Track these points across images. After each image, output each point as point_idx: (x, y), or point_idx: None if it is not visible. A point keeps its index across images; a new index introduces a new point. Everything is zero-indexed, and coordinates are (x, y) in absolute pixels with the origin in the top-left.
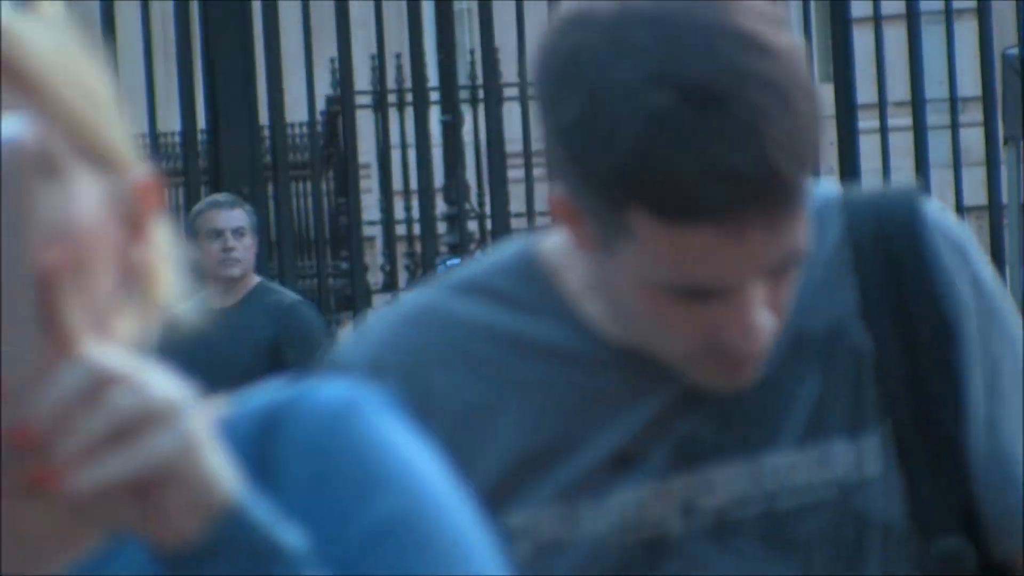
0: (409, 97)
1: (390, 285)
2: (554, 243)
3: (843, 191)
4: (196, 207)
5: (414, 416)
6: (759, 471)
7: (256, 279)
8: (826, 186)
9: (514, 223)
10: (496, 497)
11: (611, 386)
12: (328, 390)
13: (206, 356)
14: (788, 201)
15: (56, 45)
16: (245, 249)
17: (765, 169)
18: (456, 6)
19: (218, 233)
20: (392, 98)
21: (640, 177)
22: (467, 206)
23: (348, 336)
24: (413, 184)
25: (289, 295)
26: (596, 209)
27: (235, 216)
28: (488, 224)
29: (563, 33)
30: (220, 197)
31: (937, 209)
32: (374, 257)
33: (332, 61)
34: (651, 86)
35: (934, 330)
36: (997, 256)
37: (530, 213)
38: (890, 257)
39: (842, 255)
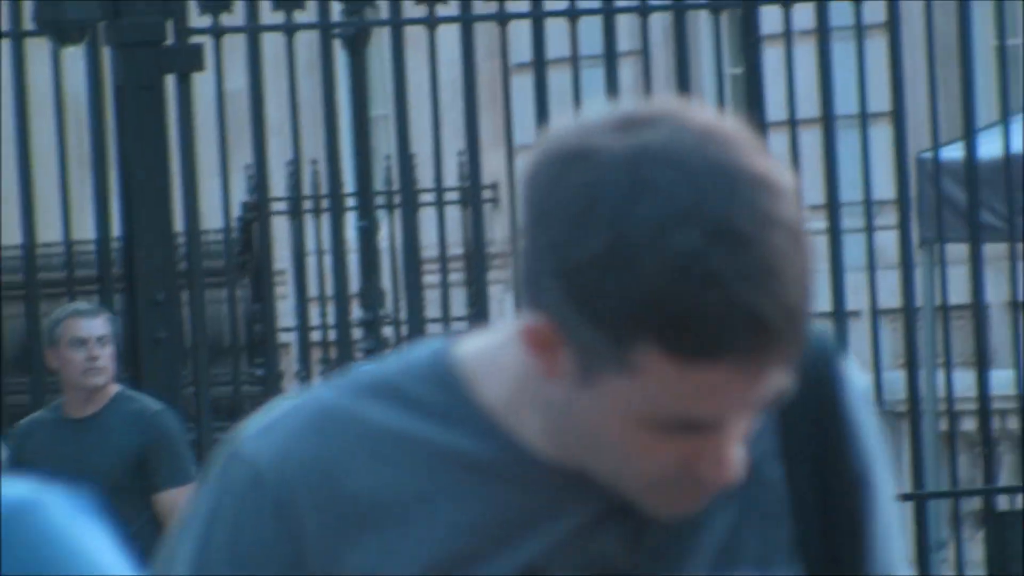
0: (325, 203)
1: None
2: (470, 349)
3: None
4: (56, 315)
5: (325, 514)
6: None
7: (116, 387)
8: None
9: (430, 328)
10: None
11: (527, 501)
12: (7, 489)
13: (69, 465)
14: (800, 341)
15: None
16: (108, 358)
17: (786, 311)
18: (373, 113)
19: (81, 342)
20: (308, 204)
21: (663, 314)
22: (382, 312)
23: (248, 430)
24: (329, 291)
25: (152, 403)
26: (591, 343)
27: (98, 324)
28: (404, 330)
29: (567, 167)
30: (81, 305)
31: (851, 365)
32: (289, 363)
33: (248, 168)
34: (677, 226)
35: (847, 480)
36: (911, 358)
37: (446, 319)
38: (810, 406)
39: None
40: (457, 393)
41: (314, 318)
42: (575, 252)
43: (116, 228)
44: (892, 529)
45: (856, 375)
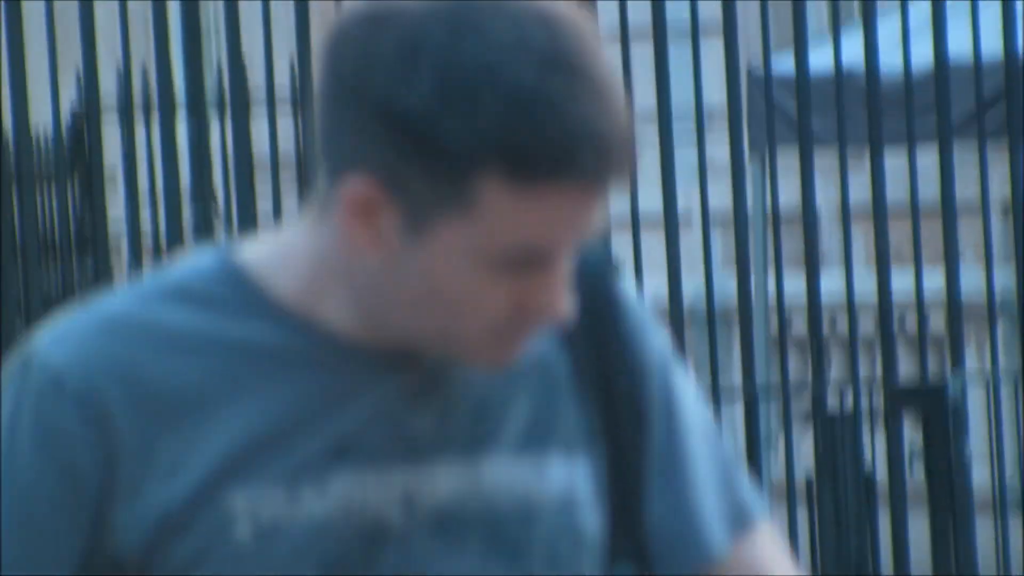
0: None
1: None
2: (256, 249)
3: None
4: None
5: (131, 409)
6: (478, 472)
7: None
8: None
9: (262, 226)
10: (217, 478)
11: (331, 383)
12: None
13: None
14: (625, 171)
15: None
16: None
17: (621, 130)
18: (204, 20)
19: None
20: (139, 112)
21: (506, 143)
22: (214, 209)
23: (40, 337)
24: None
25: None
26: (424, 190)
27: None
28: (237, 226)
29: (380, 25)
30: None
31: (625, 282)
32: (121, 263)
33: (78, 73)
34: (507, 59)
35: (626, 375)
36: (742, 263)
37: (277, 218)
38: (589, 306)
39: None
40: (248, 289)
41: (146, 221)
42: (404, 98)
43: None
44: (702, 427)
45: (628, 290)
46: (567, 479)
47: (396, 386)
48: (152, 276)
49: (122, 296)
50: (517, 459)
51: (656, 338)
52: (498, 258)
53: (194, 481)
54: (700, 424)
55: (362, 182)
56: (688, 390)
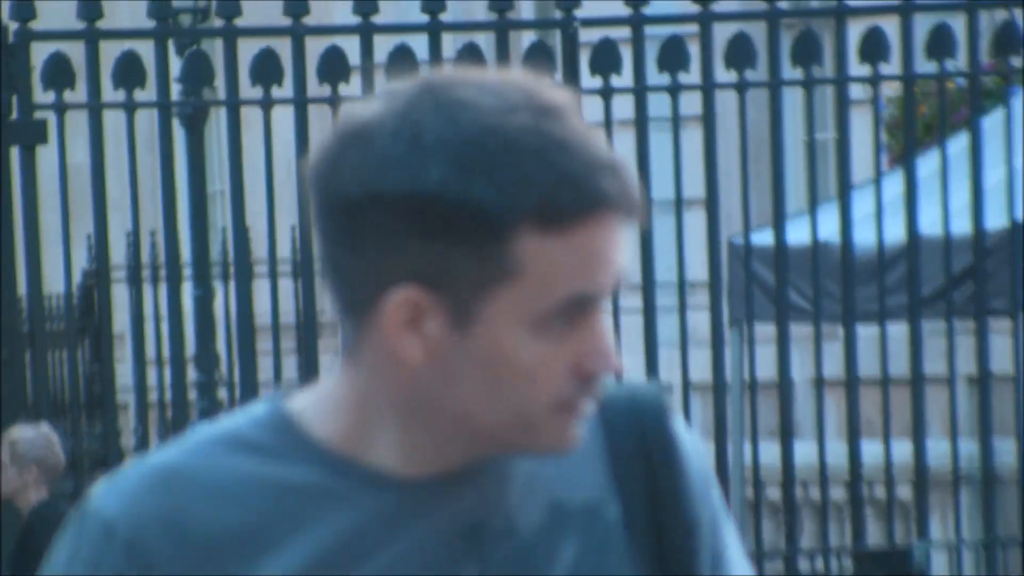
0: (163, 273)
1: (142, 447)
2: (302, 398)
3: None
4: None
5: (177, 555)
6: None
7: None
8: None
9: (263, 391)
10: None
11: (373, 519)
12: None
13: None
14: (637, 200)
15: None
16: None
17: (622, 164)
18: (211, 188)
19: None
20: (147, 274)
21: (532, 190)
22: (217, 375)
23: (98, 489)
24: (166, 355)
25: None
26: (467, 271)
27: None
28: (238, 393)
29: (362, 139)
30: None
31: (680, 419)
32: (127, 423)
33: (89, 237)
34: (503, 118)
35: (676, 522)
36: (720, 431)
37: (278, 381)
38: (643, 453)
39: (595, 440)
40: (295, 434)
41: (152, 380)
42: (425, 185)
43: None
44: (741, 562)
45: (683, 428)
46: None
47: (440, 527)
48: (207, 426)
49: (176, 447)
50: None
51: (708, 482)
52: (553, 314)
53: None
54: (741, 565)
55: (401, 294)
56: (735, 541)
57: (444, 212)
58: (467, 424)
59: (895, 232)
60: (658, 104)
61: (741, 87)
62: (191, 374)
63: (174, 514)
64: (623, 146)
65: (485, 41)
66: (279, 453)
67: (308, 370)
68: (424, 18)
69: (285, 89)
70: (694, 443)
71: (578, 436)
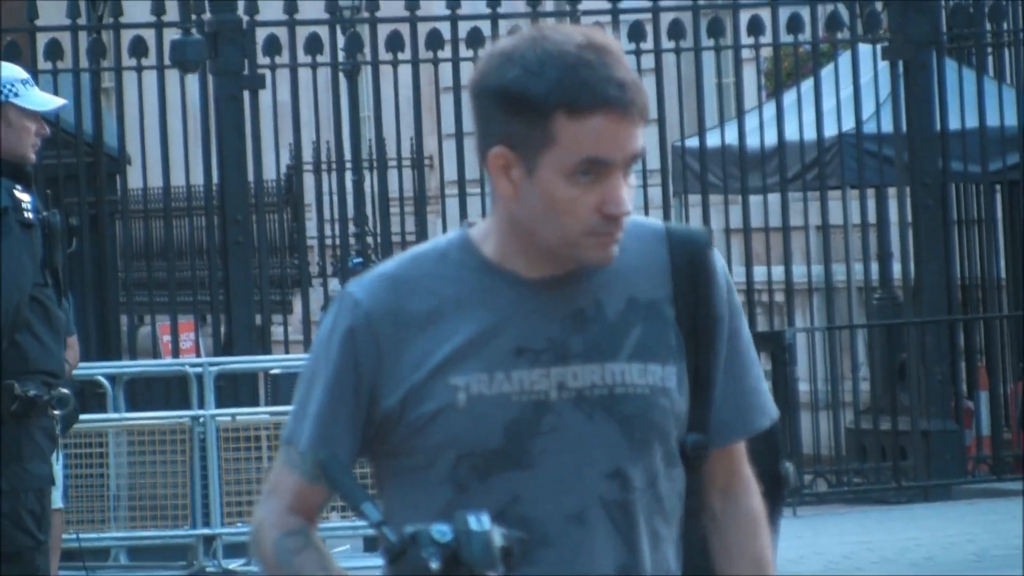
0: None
1: (321, 273)
2: (478, 227)
3: (665, 225)
4: None
5: (394, 322)
6: (604, 370)
7: None
8: (652, 220)
9: (395, 240)
10: (445, 367)
11: (516, 307)
12: None
13: None
14: (643, 112)
15: None
16: None
17: (634, 82)
18: (361, 113)
19: None
20: (324, 167)
21: (563, 90)
22: (367, 230)
23: (354, 281)
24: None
25: None
26: (525, 134)
27: None
28: (379, 239)
29: (497, 55)
30: None
31: (716, 253)
32: (313, 256)
33: (290, 145)
34: (558, 47)
35: (708, 316)
36: None
37: (404, 235)
38: (693, 271)
39: (662, 260)
40: (471, 250)
41: (327, 231)
42: (505, 80)
43: (215, 175)
44: (751, 350)
45: (719, 258)
46: (660, 377)
47: (557, 313)
48: (425, 245)
49: (400, 259)
50: (629, 364)
51: (731, 296)
52: (576, 169)
53: (431, 368)
54: (749, 351)
55: (498, 150)
56: (745, 330)
57: (512, 99)
58: (537, 239)
59: (771, 138)
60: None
61: (678, 51)
62: (350, 228)
63: (394, 305)
64: None
65: None
66: (461, 262)
67: (420, 226)
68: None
69: (405, 54)
70: (723, 268)
71: (612, 255)
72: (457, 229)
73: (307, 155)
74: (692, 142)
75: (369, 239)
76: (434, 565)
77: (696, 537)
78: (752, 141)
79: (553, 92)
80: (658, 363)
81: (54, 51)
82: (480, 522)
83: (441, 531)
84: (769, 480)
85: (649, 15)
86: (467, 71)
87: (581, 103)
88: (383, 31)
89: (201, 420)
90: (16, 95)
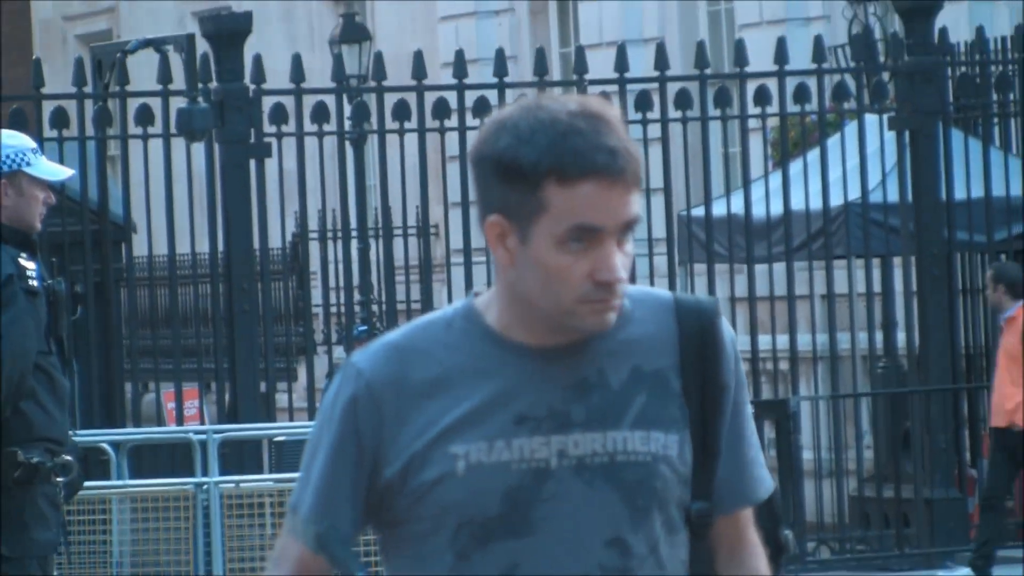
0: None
1: (325, 342)
2: (482, 297)
3: (673, 295)
4: None
5: (398, 392)
6: (606, 438)
7: None
8: (661, 291)
9: (399, 308)
10: (446, 435)
11: (519, 377)
12: None
13: None
14: (636, 178)
15: None
16: None
17: (625, 150)
18: (368, 183)
19: None
20: (329, 234)
21: (554, 158)
22: (372, 298)
23: (358, 352)
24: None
25: None
26: (518, 202)
27: None
28: (385, 307)
29: (492, 127)
30: None
31: (725, 321)
32: (318, 324)
33: (295, 213)
34: (551, 116)
35: (715, 385)
36: None
37: (409, 303)
38: (701, 341)
39: (670, 330)
40: (476, 320)
41: (332, 299)
42: (498, 149)
43: (220, 243)
44: (744, 423)
45: (727, 328)
46: (663, 445)
47: (559, 382)
48: (431, 315)
49: (406, 328)
50: (632, 432)
51: (737, 367)
52: (567, 236)
53: (433, 436)
54: (750, 423)
55: (494, 219)
56: (748, 403)
57: (505, 167)
58: (535, 307)
59: (776, 207)
60: (633, 131)
61: (684, 120)
62: (356, 296)
63: (397, 375)
64: None
65: None
66: (466, 331)
67: (425, 294)
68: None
69: (411, 123)
70: (731, 337)
71: (609, 322)
72: (463, 299)
73: (313, 223)
74: (698, 211)
75: (374, 307)
76: None
77: None
78: (758, 210)
79: (543, 160)
80: (661, 431)
81: (60, 119)
82: None
83: None
84: (769, 547)
85: (656, 85)
86: (473, 140)
87: (570, 171)
88: (389, 100)
89: (205, 487)
90: (28, 164)
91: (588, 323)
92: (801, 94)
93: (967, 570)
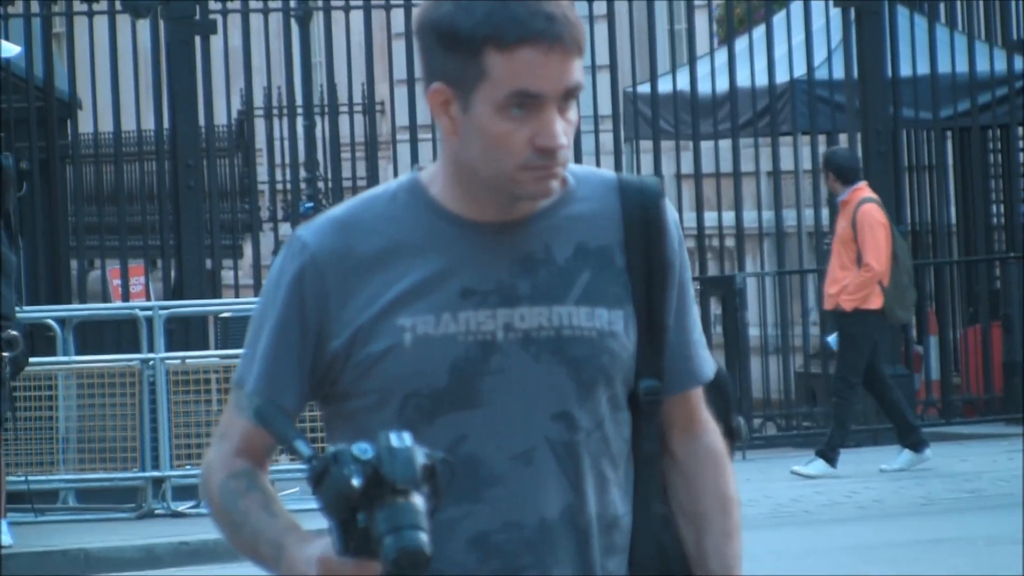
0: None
1: (272, 219)
2: (427, 171)
3: (617, 175)
4: None
5: (342, 266)
6: (552, 312)
7: None
8: (605, 170)
9: (346, 185)
10: (393, 308)
11: (464, 250)
12: None
13: None
14: (576, 44)
15: None
16: None
17: (564, 14)
18: (313, 59)
19: None
20: (275, 111)
21: (493, 25)
22: (318, 175)
23: (304, 226)
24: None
25: None
26: (459, 69)
27: None
28: (331, 184)
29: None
30: None
31: (667, 202)
32: (264, 200)
33: (241, 89)
34: None
35: (660, 263)
36: None
37: (355, 180)
38: (645, 220)
39: (614, 208)
40: (421, 195)
41: (278, 176)
42: (438, 16)
43: (166, 120)
44: (688, 301)
45: (671, 208)
46: (607, 321)
47: (505, 256)
48: (376, 189)
49: (348, 203)
50: (577, 307)
51: (681, 248)
52: (507, 102)
53: (379, 309)
54: (693, 306)
55: (437, 86)
56: (691, 285)
57: (444, 35)
58: (478, 177)
59: (722, 84)
60: (579, 7)
61: None
62: (301, 173)
63: (342, 248)
64: None
65: None
66: (410, 205)
67: (371, 171)
68: None
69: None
70: (675, 218)
71: (550, 190)
72: (408, 173)
73: (258, 100)
74: (644, 88)
75: (320, 184)
76: (355, 482)
77: (670, 538)
78: (704, 87)
79: (481, 26)
80: (605, 307)
81: None
82: (401, 439)
83: (362, 448)
84: (721, 433)
85: None
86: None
87: (508, 36)
88: None
89: (151, 363)
90: None
91: (530, 190)
92: None
93: (819, 462)
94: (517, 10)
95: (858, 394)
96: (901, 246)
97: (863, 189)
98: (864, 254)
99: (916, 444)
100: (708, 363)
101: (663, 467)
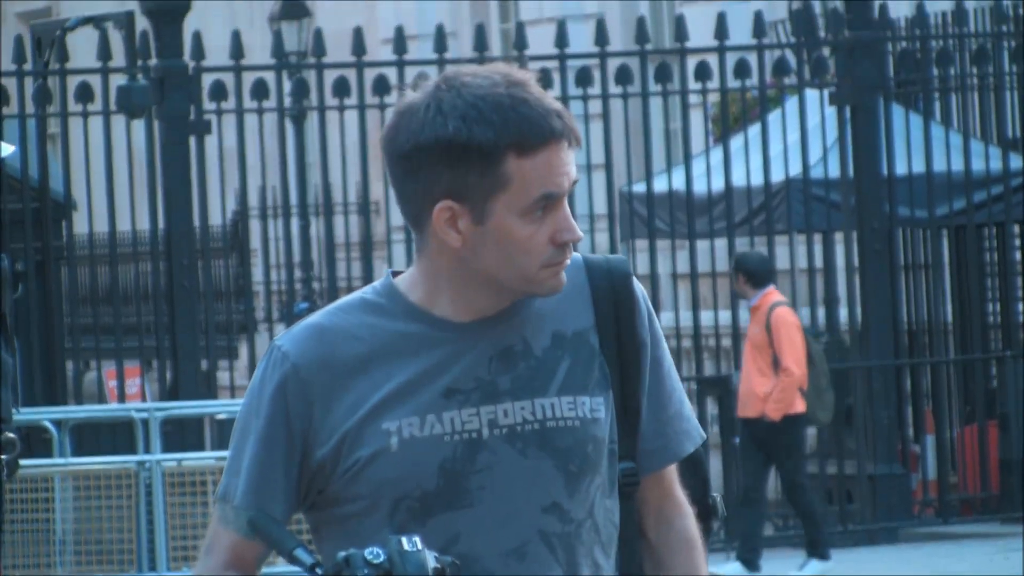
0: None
1: (266, 319)
2: (402, 277)
3: (583, 256)
4: None
5: (325, 372)
6: (534, 406)
7: None
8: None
9: (340, 285)
10: (377, 412)
11: (445, 352)
12: None
13: None
14: (578, 137)
15: None
16: None
17: (563, 109)
18: (308, 159)
19: None
20: (270, 212)
21: (509, 130)
22: (312, 276)
23: (283, 335)
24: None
25: None
26: (477, 184)
27: None
28: (326, 284)
29: (406, 116)
30: None
31: (636, 280)
32: (259, 301)
33: (235, 190)
34: (489, 91)
35: (632, 343)
36: None
37: (351, 280)
38: (615, 299)
39: (583, 289)
40: (398, 298)
41: (272, 276)
42: (446, 133)
43: (161, 220)
44: (664, 376)
45: (639, 285)
46: (590, 408)
47: (485, 354)
48: (350, 296)
49: (327, 311)
50: (559, 398)
51: (653, 322)
52: (533, 208)
53: (364, 413)
54: (671, 377)
55: (442, 205)
56: (667, 356)
57: (459, 149)
58: (493, 281)
59: (718, 183)
60: (574, 107)
61: (625, 96)
62: (297, 273)
63: (324, 355)
64: None
65: None
66: (389, 310)
67: (366, 271)
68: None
69: (352, 100)
70: (643, 294)
71: (563, 282)
72: (380, 279)
73: (253, 200)
74: (639, 187)
75: (315, 284)
76: None
77: (635, 568)
78: (699, 186)
79: (502, 135)
80: (587, 395)
81: None
82: (413, 543)
83: (374, 553)
84: (698, 511)
85: (596, 60)
86: (390, 132)
87: (531, 141)
88: (329, 76)
89: (147, 465)
90: None
91: (549, 286)
92: (742, 69)
93: (737, 564)
94: (530, 114)
95: (809, 488)
96: (815, 349)
97: (773, 293)
98: (782, 359)
99: (752, 561)
100: (685, 437)
101: (640, 549)
